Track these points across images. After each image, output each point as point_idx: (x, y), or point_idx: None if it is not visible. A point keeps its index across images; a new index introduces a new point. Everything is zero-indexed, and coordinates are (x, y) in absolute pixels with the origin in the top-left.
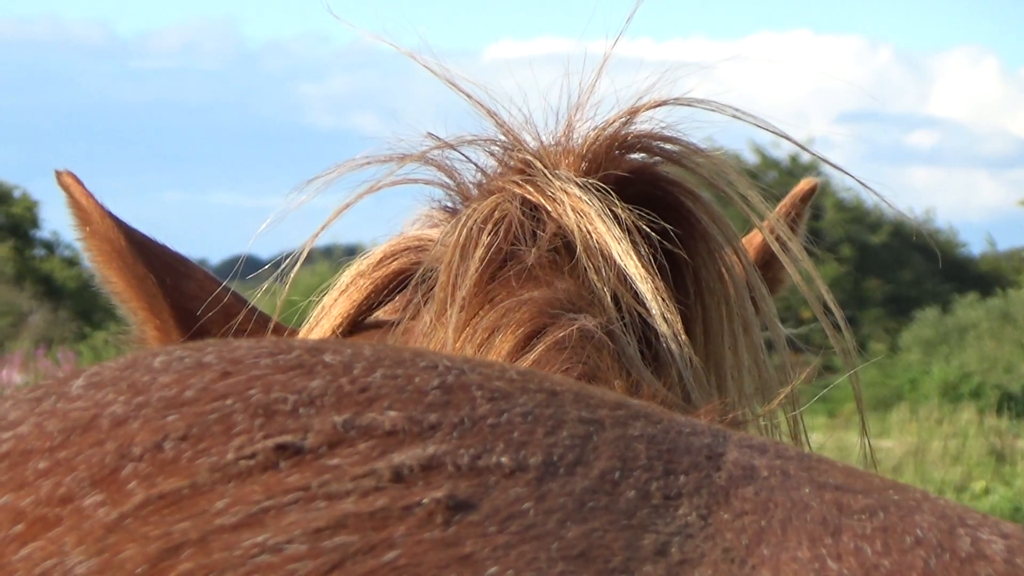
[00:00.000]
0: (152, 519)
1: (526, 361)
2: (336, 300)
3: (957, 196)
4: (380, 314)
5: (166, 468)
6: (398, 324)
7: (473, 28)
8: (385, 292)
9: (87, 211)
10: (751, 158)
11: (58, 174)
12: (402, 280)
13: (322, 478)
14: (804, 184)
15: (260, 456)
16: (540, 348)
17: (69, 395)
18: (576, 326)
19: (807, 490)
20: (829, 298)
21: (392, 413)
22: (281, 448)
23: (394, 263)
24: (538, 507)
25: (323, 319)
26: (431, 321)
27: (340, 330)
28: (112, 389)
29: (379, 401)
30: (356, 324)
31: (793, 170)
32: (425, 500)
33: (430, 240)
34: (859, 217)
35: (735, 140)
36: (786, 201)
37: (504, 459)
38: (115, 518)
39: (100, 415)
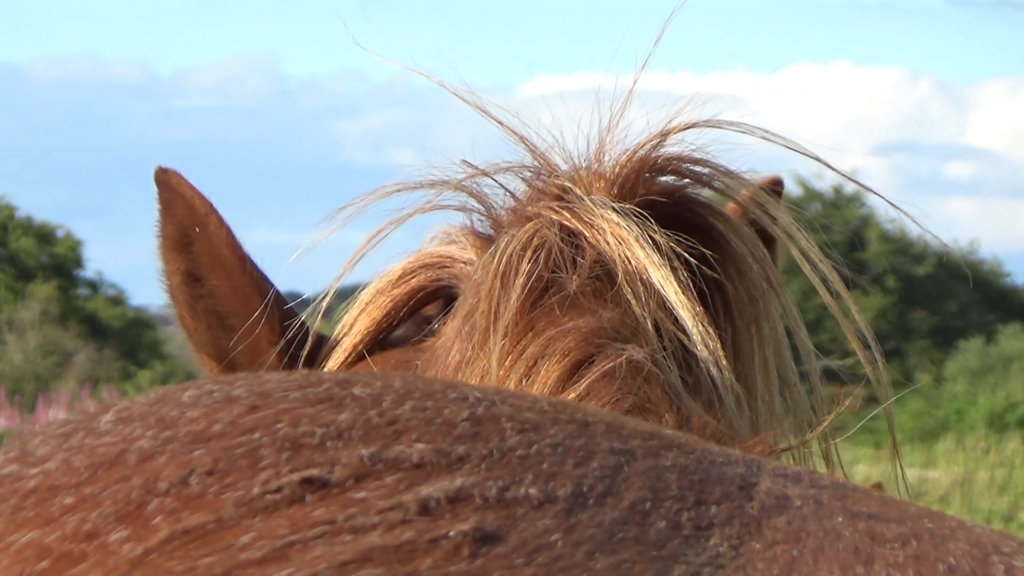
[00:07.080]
0: (176, 554)
1: (575, 391)
2: (356, 318)
3: (997, 226)
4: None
5: (192, 503)
6: (417, 342)
7: (508, 64)
8: (404, 309)
9: (200, 214)
10: (795, 190)
11: (162, 171)
12: (421, 297)
13: (348, 511)
14: (770, 178)
15: (286, 490)
16: (589, 378)
17: (98, 430)
18: (624, 356)
19: (840, 519)
20: (863, 324)
21: (420, 445)
22: (307, 482)
23: (413, 280)
24: (566, 539)
25: (344, 337)
26: (472, 349)
27: (361, 347)
28: (140, 424)
29: (407, 434)
30: (377, 342)
31: (836, 201)
32: (452, 532)
33: (448, 257)
34: (903, 248)
35: (777, 171)
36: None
37: (532, 491)
38: (139, 553)
39: (127, 450)
